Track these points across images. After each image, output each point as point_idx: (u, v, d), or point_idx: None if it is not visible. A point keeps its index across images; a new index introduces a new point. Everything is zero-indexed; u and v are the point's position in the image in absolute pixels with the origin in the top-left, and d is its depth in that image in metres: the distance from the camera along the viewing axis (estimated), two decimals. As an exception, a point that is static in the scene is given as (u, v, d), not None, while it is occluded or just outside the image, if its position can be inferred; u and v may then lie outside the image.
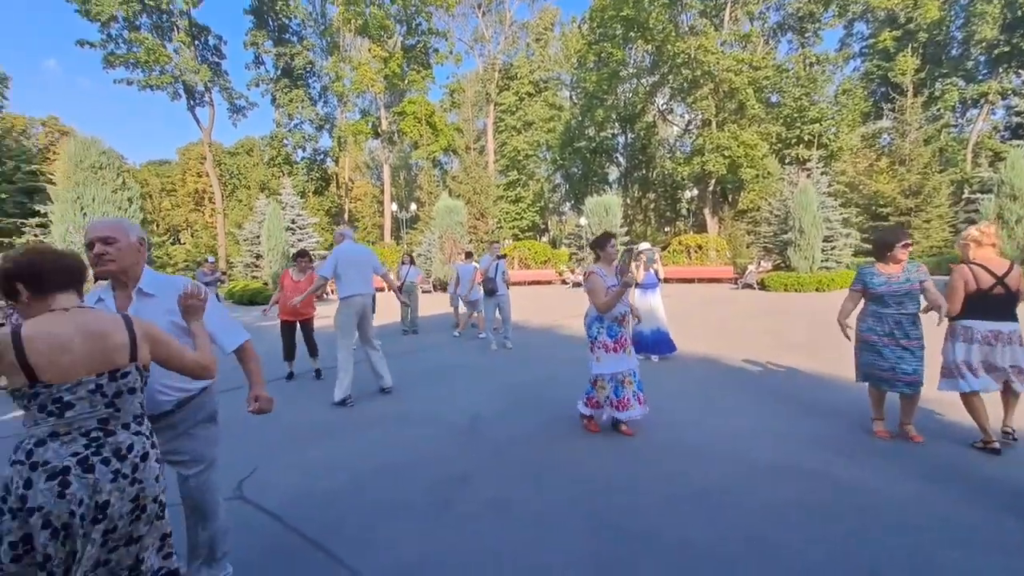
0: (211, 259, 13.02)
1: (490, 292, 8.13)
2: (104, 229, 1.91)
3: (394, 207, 32.15)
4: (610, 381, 3.98)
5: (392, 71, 34.25)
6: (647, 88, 34.25)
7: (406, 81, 36.24)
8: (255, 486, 3.45)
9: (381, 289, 10.24)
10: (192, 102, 33.79)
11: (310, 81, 37.40)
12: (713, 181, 30.28)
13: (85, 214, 15.70)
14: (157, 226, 47.70)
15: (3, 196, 28.55)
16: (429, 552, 2.62)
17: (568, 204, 45.61)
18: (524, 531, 2.78)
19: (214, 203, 38.54)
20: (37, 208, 20.37)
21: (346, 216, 43.56)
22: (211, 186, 38.15)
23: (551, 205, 45.36)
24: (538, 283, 25.94)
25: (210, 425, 2.18)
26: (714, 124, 29.29)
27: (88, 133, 17.07)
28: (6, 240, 23.01)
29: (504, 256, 8.59)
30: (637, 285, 6.65)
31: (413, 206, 33.96)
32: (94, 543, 1.44)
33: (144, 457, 1.57)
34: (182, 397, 2.01)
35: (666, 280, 22.70)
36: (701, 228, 32.13)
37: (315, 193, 40.16)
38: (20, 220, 23.57)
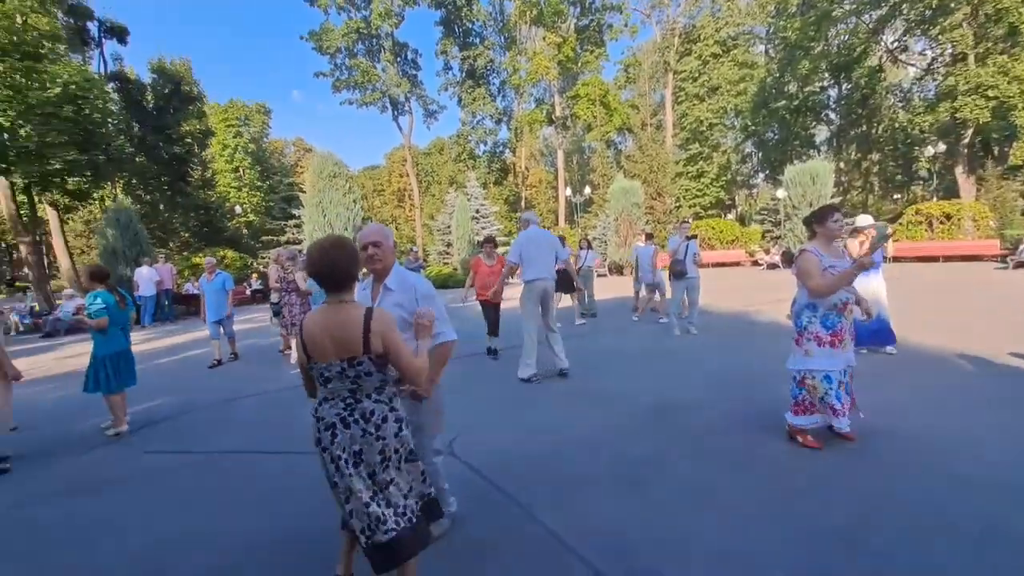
0: (414, 248, 14.94)
1: (679, 274, 7.66)
2: (374, 235, 2.35)
3: (568, 192, 32.64)
4: (823, 380, 3.32)
5: (566, 55, 34.54)
6: (870, 25, 28.10)
7: (580, 63, 36.22)
8: (462, 445, 3.88)
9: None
10: (396, 112, 39.04)
11: (490, 78, 39.90)
12: (969, 132, 23.53)
13: (325, 215, 19.40)
14: (369, 220, 56.66)
15: (271, 204, 37.17)
16: (620, 523, 2.67)
17: (760, 175, 40.54)
18: (718, 520, 2.64)
19: (412, 199, 44.11)
20: (293, 212, 26.02)
21: (523, 203, 45.80)
22: (410, 184, 43.70)
23: (739, 178, 40.88)
24: (723, 265, 23.76)
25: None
26: (971, 58, 22.64)
27: (324, 148, 21.06)
28: (274, 238, 29.93)
29: (695, 236, 8.00)
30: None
31: (587, 189, 33.98)
32: (362, 479, 1.88)
33: (384, 420, 1.92)
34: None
35: (896, 259, 18.69)
36: (949, 193, 25.49)
37: (495, 184, 43.03)
38: (283, 221, 30.31)
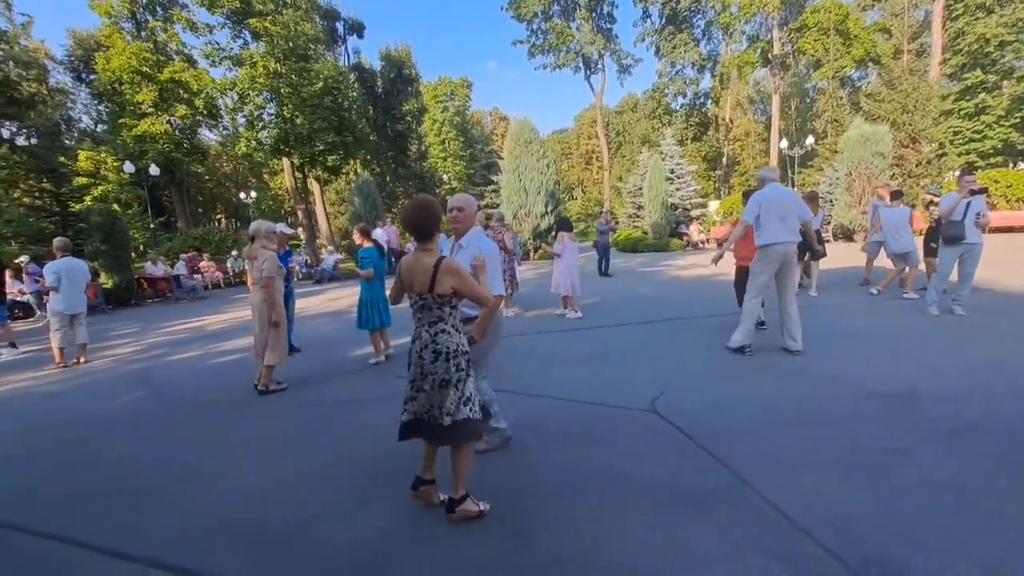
0: (604, 211, 14.74)
1: (953, 239, 5.97)
2: (459, 202, 2.95)
3: (783, 144, 28.19)
4: None
5: (790, -20, 29.20)
6: None
7: (808, -13, 30.27)
8: (664, 404, 3.77)
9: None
10: (588, 71, 38.44)
11: (694, 20, 36.19)
12: None
13: (520, 179, 20.36)
14: (559, 184, 57.66)
15: (472, 171, 40.63)
16: (856, 509, 2.36)
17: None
18: (984, 526, 2.19)
19: (601, 161, 43.41)
20: (491, 178, 27.97)
21: (724, 160, 41.30)
22: (599, 146, 42.96)
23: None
24: (1012, 230, 18.00)
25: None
26: None
27: (518, 115, 21.86)
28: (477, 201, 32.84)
29: (983, 190, 6.05)
30: None
31: (808, 139, 28.81)
32: (432, 387, 2.39)
33: (425, 346, 2.40)
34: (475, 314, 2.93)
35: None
36: None
37: (693, 140, 39.55)
38: (483, 187, 32.92)
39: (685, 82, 37.18)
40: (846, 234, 19.46)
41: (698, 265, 13.00)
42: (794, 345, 4.90)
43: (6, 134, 22.47)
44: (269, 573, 2.21)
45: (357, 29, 33.02)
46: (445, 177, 38.77)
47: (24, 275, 12.25)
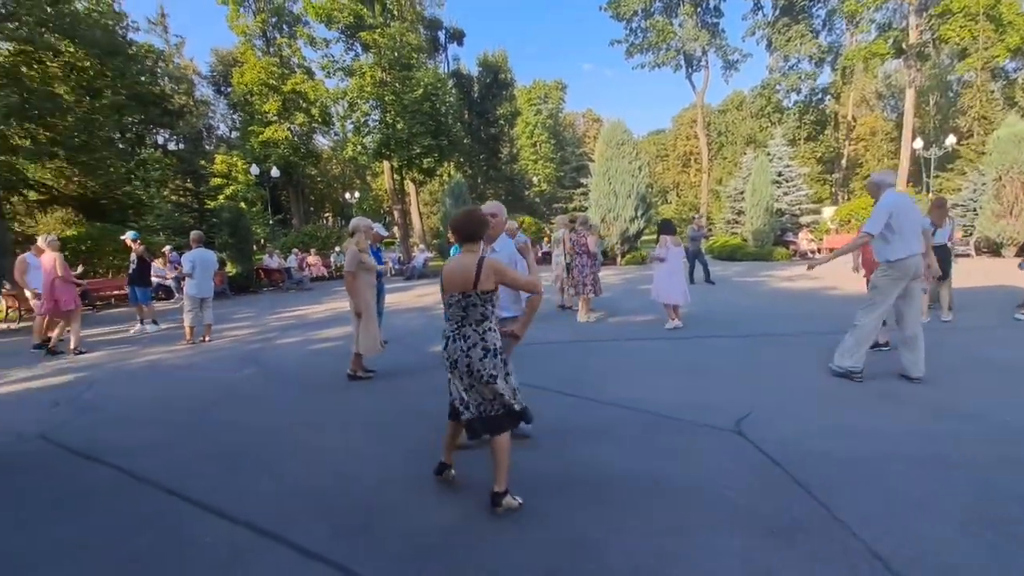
0: (697, 216, 13.96)
1: None
2: (491, 209, 3.24)
3: (917, 144, 24.88)
4: None
5: (932, -41, 25.71)
6: None
7: (955, -34, 26.40)
8: (752, 425, 3.47)
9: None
10: (690, 69, 36.66)
11: (813, 10, 33.15)
12: None
13: (610, 182, 19.91)
14: (651, 188, 55.59)
15: (561, 174, 40.51)
16: (961, 559, 2.03)
17: None
18: None
19: (699, 163, 41.24)
20: (581, 181, 27.70)
21: (844, 162, 37.39)
22: (698, 147, 40.84)
23: None
24: None
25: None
26: None
27: (612, 117, 21.43)
28: (563, 205, 32.74)
29: None
30: None
31: (950, 139, 25.17)
32: (481, 384, 2.52)
33: (474, 345, 2.50)
34: (513, 316, 3.26)
35: None
36: None
37: (807, 139, 36.22)
38: (571, 190, 32.73)
39: (800, 77, 34.11)
40: (992, 248, 16.74)
41: (804, 276, 11.84)
42: (915, 371, 4.28)
43: (160, 140, 26.21)
44: (342, 547, 2.32)
45: (458, 37, 34.33)
46: (535, 179, 39.07)
47: (167, 262, 14.20)
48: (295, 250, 19.06)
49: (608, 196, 19.62)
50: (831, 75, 34.07)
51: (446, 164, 29.61)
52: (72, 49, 16.78)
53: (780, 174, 23.33)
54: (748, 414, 3.65)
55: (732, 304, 8.89)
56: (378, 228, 6.11)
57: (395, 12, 24.72)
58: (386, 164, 26.38)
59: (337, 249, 20.52)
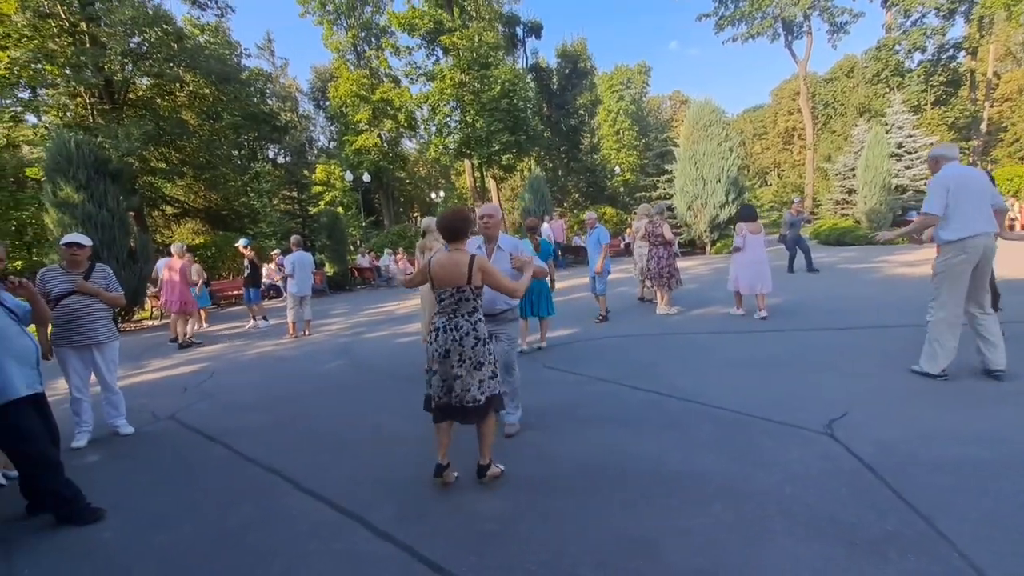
0: (796, 200, 12.75)
1: None
2: (487, 210, 3.44)
3: (1082, 97, 20.73)
4: None
5: None
6: None
7: None
8: (845, 427, 3.13)
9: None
10: (789, 37, 33.49)
11: (938, -45, 28.84)
12: None
13: (697, 167, 18.82)
14: (748, 170, 51.49)
15: (645, 161, 38.94)
16: None
17: None
18: None
19: (803, 139, 37.63)
20: (665, 167, 26.47)
21: (983, 127, 32.18)
22: (802, 122, 37.27)
23: None
24: None
25: (516, 322, 3.65)
26: None
27: (701, 96, 20.17)
28: (646, 194, 31.40)
29: None
30: None
31: None
32: (467, 370, 2.71)
33: (466, 333, 2.71)
34: (508, 307, 3.40)
35: None
36: None
37: (935, 104, 31.62)
38: (655, 178, 31.36)
39: (925, 33, 29.77)
40: None
41: (928, 260, 10.32)
42: (995, 361, 3.70)
43: (270, 155, 29.07)
44: (409, 530, 2.45)
45: (536, 30, 34.26)
46: (617, 169, 38.02)
47: (275, 264, 15.76)
48: (387, 250, 20.28)
49: (695, 181, 18.58)
50: (964, 28, 29.43)
51: (525, 159, 29.80)
52: (195, 79, 19.12)
53: (901, 145, 20.64)
54: (843, 415, 3.29)
55: (836, 294, 8.02)
56: None
57: (473, 13, 25.27)
58: (467, 163, 27.14)
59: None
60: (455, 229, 2.80)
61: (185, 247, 8.81)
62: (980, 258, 3.68)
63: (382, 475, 3.10)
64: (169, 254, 8.83)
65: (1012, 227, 16.07)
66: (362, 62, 29.96)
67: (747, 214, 6.99)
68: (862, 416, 3.28)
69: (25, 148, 16.25)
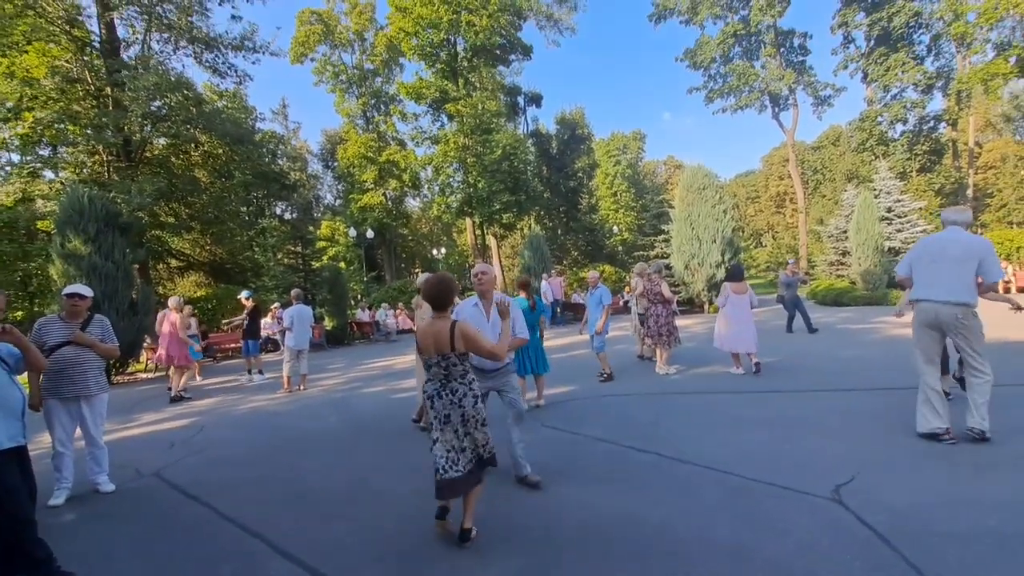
0: (791, 261, 12.97)
1: None
2: (480, 269, 3.68)
3: (1061, 167, 21.58)
4: None
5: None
6: None
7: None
8: (853, 493, 3.02)
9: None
10: (776, 109, 35.35)
11: (915, 37, 31.02)
12: None
13: (692, 227, 19.27)
14: (743, 231, 52.67)
15: (642, 221, 39.91)
16: None
17: None
18: None
19: (795, 203, 38.75)
20: (662, 228, 27.10)
21: (968, 192, 33.25)
22: (792, 187, 38.55)
23: None
24: None
25: (515, 375, 3.90)
26: None
27: (694, 162, 21.03)
28: (644, 253, 31.97)
29: None
30: None
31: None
32: (476, 428, 2.74)
33: (464, 395, 2.72)
34: (503, 365, 3.49)
35: None
36: None
37: (920, 171, 32.86)
38: (652, 238, 32.00)
39: (905, 106, 31.50)
40: None
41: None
42: (976, 421, 3.67)
43: (278, 211, 29.81)
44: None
45: (536, 100, 36.17)
46: (615, 229, 38.89)
47: (274, 317, 15.74)
48: (384, 304, 20.32)
49: (691, 241, 18.95)
50: (943, 101, 31.16)
51: (525, 218, 30.55)
52: (210, 139, 19.94)
53: (890, 210, 21.24)
54: (850, 479, 3.19)
55: (835, 354, 7.97)
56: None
57: (476, 84, 26.81)
58: (468, 220, 27.81)
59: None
60: (437, 297, 2.83)
61: (183, 301, 8.84)
62: (931, 323, 3.81)
63: (370, 536, 2.96)
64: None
65: (1008, 290, 16.23)
66: (370, 126, 31.44)
67: (733, 274, 7.15)
68: (871, 481, 3.17)
69: (39, 202, 16.70)
